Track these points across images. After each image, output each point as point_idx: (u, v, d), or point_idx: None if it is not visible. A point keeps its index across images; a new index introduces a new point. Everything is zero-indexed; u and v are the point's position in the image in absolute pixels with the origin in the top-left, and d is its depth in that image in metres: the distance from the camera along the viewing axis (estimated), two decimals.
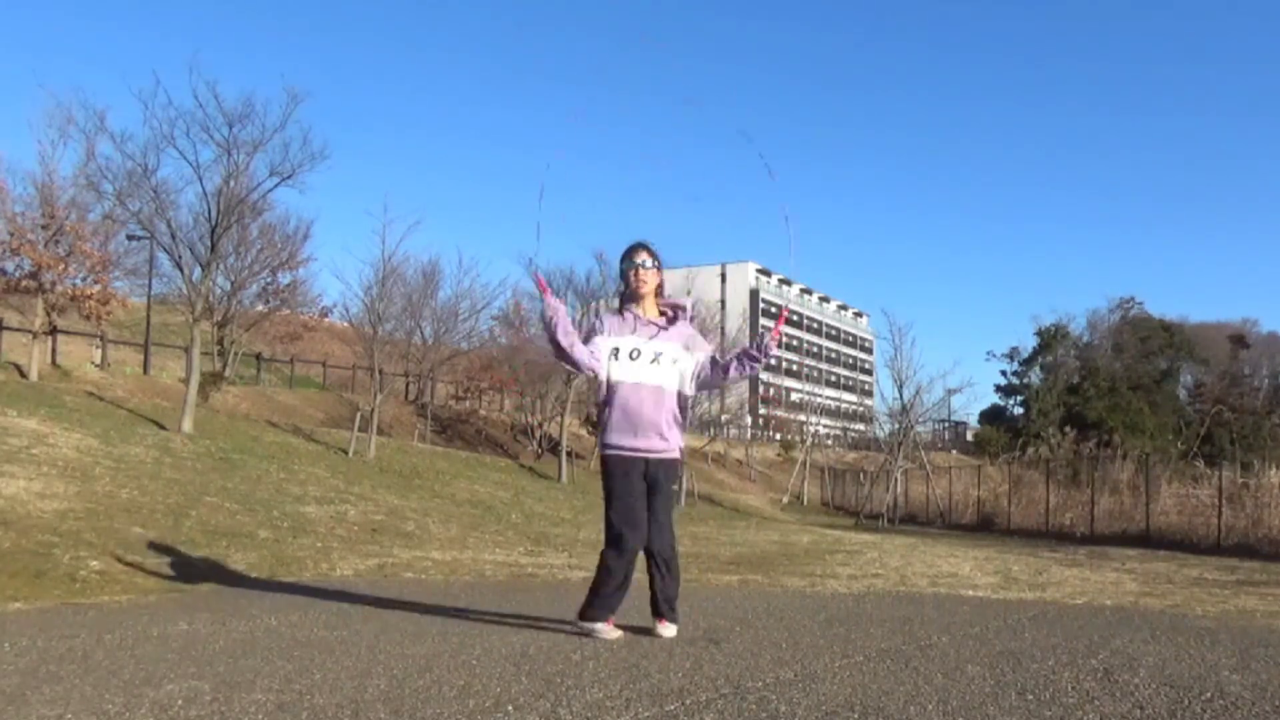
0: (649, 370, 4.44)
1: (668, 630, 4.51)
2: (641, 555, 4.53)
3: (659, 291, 4.59)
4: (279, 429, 20.79)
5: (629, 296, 4.55)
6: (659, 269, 4.54)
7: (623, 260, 4.56)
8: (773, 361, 4.76)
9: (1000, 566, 10.67)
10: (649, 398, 4.43)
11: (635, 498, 4.41)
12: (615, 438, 4.43)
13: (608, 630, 4.45)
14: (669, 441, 4.49)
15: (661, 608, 4.52)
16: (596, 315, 4.64)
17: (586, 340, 4.47)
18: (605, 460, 4.48)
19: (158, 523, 9.23)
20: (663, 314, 4.60)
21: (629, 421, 4.41)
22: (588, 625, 4.49)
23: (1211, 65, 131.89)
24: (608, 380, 4.45)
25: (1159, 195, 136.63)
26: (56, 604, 5.79)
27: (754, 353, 4.52)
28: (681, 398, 4.56)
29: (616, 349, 4.45)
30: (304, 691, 3.24)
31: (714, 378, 4.63)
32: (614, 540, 4.41)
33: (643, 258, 4.50)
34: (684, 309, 4.64)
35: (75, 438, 13.02)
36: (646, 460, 4.44)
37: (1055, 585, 8.43)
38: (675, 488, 4.65)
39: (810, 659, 3.92)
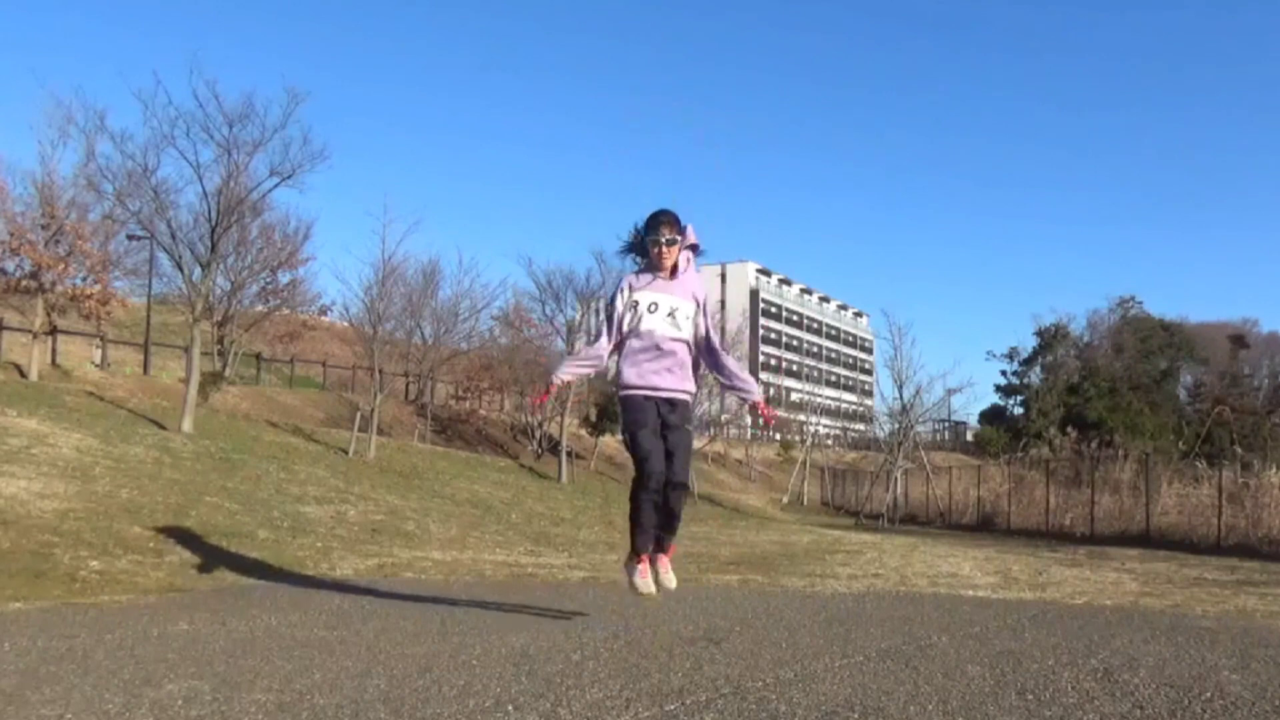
0: (665, 322, 4.77)
1: (664, 569, 4.90)
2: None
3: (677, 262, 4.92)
4: (279, 429, 20.78)
5: (650, 265, 4.83)
6: (680, 242, 4.80)
7: (647, 230, 4.78)
8: (755, 400, 5.60)
9: (1000, 566, 10.67)
10: (665, 346, 4.76)
11: (653, 430, 4.75)
12: (630, 378, 4.78)
13: (642, 581, 4.78)
14: (680, 386, 4.82)
15: (663, 542, 4.92)
16: (618, 283, 4.96)
17: (609, 317, 4.88)
18: (622, 400, 4.84)
19: (158, 523, 9.23)
20: (674, 266, 4.88)
21: (645, 364, 4.77)
22: (629, 571, 4.86)
23: (1210, 65, 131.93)
24: (635, 328, 4.79)
25: (1159, 195, 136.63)
26: (56, 604, 5.78)
27: (743, 395, 5.04)
28: (693, 350, 4.88)
29: (637, 303, 4.79)
30: (304, 691, 3.24)
31: (706, 354, 4.95)
32: (641, 473, 4.72)
33: (666, 234, 4.74)
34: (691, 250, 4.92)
35: (75, 438, 13.02)
36: (658, 400, 4.78)
37: (1055, 585, 8.42)
38: (690, 429, 4.97)
39: (810, 659, 3.91)
